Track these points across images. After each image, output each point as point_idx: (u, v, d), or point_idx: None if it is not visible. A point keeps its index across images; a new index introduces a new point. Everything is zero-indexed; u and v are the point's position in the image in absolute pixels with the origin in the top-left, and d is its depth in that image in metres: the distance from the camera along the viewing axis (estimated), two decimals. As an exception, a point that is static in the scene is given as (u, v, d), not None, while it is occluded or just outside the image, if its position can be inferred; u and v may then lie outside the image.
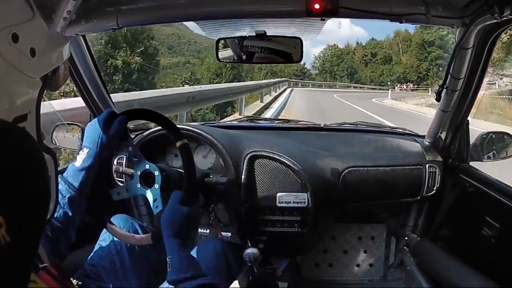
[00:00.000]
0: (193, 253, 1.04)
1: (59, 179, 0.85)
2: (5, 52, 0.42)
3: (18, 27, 0.44)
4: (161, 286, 0.92)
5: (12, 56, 0.43)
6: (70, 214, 0.86)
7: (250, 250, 1.20)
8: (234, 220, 1.31)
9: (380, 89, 40.34)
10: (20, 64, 0.44)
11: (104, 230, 1.00)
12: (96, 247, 1.01)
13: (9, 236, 0.34)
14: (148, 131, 1.35)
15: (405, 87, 41.34)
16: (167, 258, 0.80)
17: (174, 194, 0.87)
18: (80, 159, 0.89)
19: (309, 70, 56.50)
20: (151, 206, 0.92)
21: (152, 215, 1.50)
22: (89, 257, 0.99)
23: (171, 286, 0.87)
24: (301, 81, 36.42)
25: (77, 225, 0.89)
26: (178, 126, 0.97)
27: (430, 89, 34.42)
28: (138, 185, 0.93)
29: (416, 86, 42.02)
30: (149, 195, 0.92)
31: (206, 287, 0.76)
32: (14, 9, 0.46)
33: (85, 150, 0.89)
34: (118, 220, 1.03)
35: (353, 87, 40.99)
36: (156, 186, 0.92)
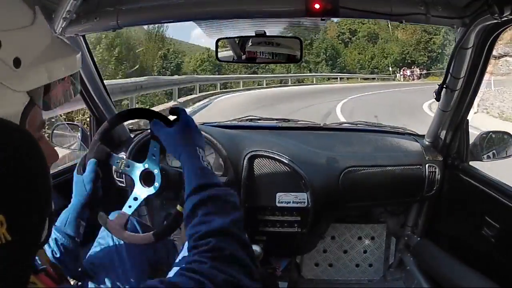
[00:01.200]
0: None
1: (54, 231, 0.86)
2: None
3: (5, 33, 0.41)
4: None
5: None
6: (69, 261, 0.87)
7: (253, 248, 1.20)
8: None
9: (384, 78, 27.93)
10: (0, 74, 0.40)
11: (103, 228, 1.00)
12: (95, 245, 1.01)
13: (10, 235, 0.34)
14: (148, 131, 1.35)
15: (409, 73, 28.63)
16: (183, 170, 0.74)
17: (155, 127, 0.82)
18: (69, 208, 0.90)
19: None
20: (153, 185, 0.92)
21: (151, 214, 1.50)
22: (88, 255, 0.99)
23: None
24: (247, 76, 17.62)
25: (71, 269, 0.89)
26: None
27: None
28: (142, 188, 0.93)
29: (425, 71, 28.89)
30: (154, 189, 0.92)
31: (217, 199, 0.66)
32: (6, 12, 0.43)
33: (74, 202, 0.90)
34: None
35: (346, 78, 24.84)
36: (156, 185, 0.92)
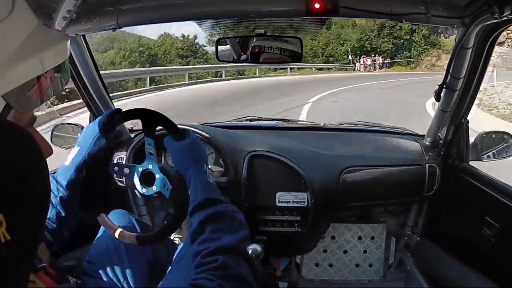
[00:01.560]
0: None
1: (51, 178, 0.83)
2: None
3: None
4: (158, 286, 0.92)
5: None
6: (63, 214, 0.85)
7: (254, 247, 1.20)
8: None
9: (342, 68, 23.64)
10: None
11: (102, 227, 0.99)
12: (94, 244, 1.01)
13: (9, 234, 0.34)
14: None
15: (370, 62, 24.56)
16: (190, 187, 0.75)
17: (165, 139, 0.84)
18: (70, 158, 0.88)
19: (203, 46, 27.19)
20: (163, 194, 0.91)
21: (151, 214, 1.50)
22: (87, 254, 0.99)
23: (168, 282, 0.86)
24: (173, 69, 14.88)
25: (72, 225, 0.88)
26: (178, 125, 0.97)
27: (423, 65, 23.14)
28: (143, 189, 0.92)
29: (389, 60, 24.89)
30: (157, 188, 0.92)
31: (223, 216, 0.67)
32: None
33: (76, 149, 0.88)
34: (115, 216, 1.03)
35: (297, 69, 18.63)
36: (156, 185, 0.92)
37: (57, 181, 0.86)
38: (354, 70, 24.32)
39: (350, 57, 25.70)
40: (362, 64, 25.07)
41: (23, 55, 0.40)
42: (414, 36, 24.54)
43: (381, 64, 25.26)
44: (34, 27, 0.42)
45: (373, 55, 25.66)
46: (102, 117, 0.92)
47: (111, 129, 0.92)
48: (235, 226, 0.66)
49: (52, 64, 0.44)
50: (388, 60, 25.46)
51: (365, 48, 26.08)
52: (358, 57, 25.70)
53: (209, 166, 0.81)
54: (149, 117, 0.89)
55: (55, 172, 0.89)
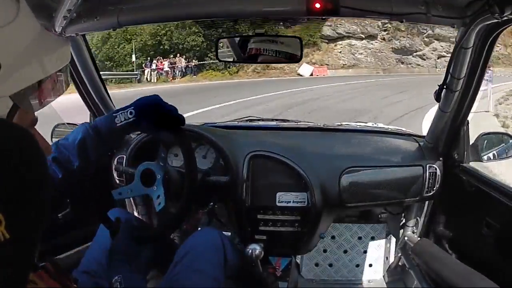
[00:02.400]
0: (191, 242, 1.02)
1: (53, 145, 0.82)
2: None
3: None
4: (157, 285, 0.92)
5: None
6: (59, 176, 0.83)
7: (253, 247, 1.19)
8: (234, 220, 1.31)
9: (124, 78, 16.74)
10: None
11: (101, 227, 0.99)
12: (94, 243, 1.01)
13: (9, 233, 0.34)
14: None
15: (168, 67, 17.64)
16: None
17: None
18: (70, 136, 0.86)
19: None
20: (154, 204, 0.91)
21: (151, 214, 1.50)
22: (86, 253, 0.99)
23: (168, 282, 0.86)
24: None
25: (74, 200, 0.86)
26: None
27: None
28: (140, 186, 0.92)
29: (197, 62, 18.05)
30: (152, 193, 0.92)
31: None
32: None
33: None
34: (115, 214, 1.03)
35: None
36: (158, 184, 0.92)
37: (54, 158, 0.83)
38: (140, 80, 17.00)
39: (134, 60, 17.50)
40: (155, 71, 17.58)
41: (28, 58, 0.41)
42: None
43: (183, 70, 17.84)
44: (37, 31, 0.43)
45: (172, 56, 17.91)
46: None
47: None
48: None
49: (55, 68, 0.45)
50: (196, 62, 17.73)
51: (162, 46, 18.00)
52: (150, 59, 17.81)
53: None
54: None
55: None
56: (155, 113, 0.85)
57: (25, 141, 0.39)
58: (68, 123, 1.50)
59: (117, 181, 1.35)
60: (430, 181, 1.36)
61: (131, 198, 1.45)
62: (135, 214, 1.43)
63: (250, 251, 1.18)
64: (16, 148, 0.37)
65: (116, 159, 1.36)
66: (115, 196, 0.93)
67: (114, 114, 0.85)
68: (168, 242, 1.16)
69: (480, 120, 6.35)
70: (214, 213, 1.29)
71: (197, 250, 0.96)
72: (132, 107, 0.85)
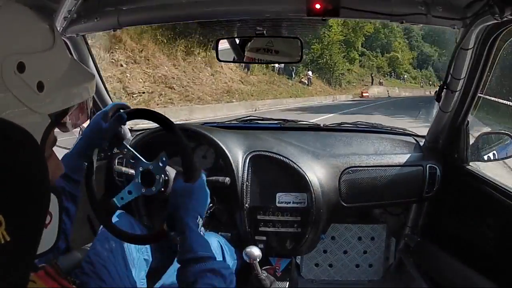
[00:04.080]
0: None
1: (63, 181, 0.83)
2: (9, 81, 0.38)
3: (28, 56, 0.40)
4: (157, 285, 0.92)
5: (16, 87, 0.39)
6: (65, 204, 0.83)
7: (251, 249, 1.20)
8: (234, 220, 1.31)
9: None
10: (24, 97, 0.40)
11: (102, 228, 0.99)
12: (94, 244, 1.01)
13: (9, 235, 0.34)
14: (148, 131, 1.35)
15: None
16: (177, 238, 0.76)
17: (176, 172, 0.85)
18: (73, 145, 0.88)
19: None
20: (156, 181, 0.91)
21: (151, 215, 1.50)
22: (87, 255, 0.99)
23: (167, 282, 0.86)
24: None
25: (74, 216, 0.86)
26: (178, 125, 0.97)
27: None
28: (140, 186, 0.92)
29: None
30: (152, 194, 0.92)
31: (215, 272, 0.70)
32: (28, 34, 0.43)
33: (79, 137, 0.89)
34: (116, 218, 1.03)
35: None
36: (156, 186, 0.92)
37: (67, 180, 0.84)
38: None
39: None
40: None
41: (66, 83, 0.46)
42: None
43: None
44: (70, 62, 0.49)
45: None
46: (108, 106, 0.92)
47: (113, 127, 0.89)
48: (226, 283, 0.70)
49: (87, 95, 0.51)
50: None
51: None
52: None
53: (202, 217, 0.80)
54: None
55: None
56: (94, 120, 0.88)
57: (25, 142, 0.39)
58: None
59: (118, 182, 1.35)
60: (430, 181, 1.36)
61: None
62: (135, 214, 1.43)
63: (249, 253, 1.18)
64: (16, 149, 0.37)
65: (116, 160, 1.36)
66: (118, 202, 0.92)
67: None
68: (169, 243, 1.16)
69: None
70: (214, 213, 1.29)
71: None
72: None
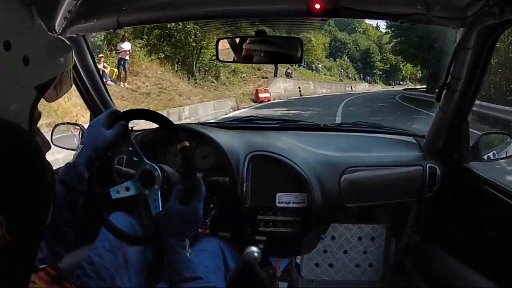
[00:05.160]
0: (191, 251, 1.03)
1: (64, 191, 0.83)
2: None
3: (12, 35, 0.43)
4: (157, 286, 0.92)
5: (3, 64, 0.42)
6: (65, 214, 0.83)
7: (250, 250, 1.20)
8: (234, 220, 1.31)
9: None
10: (11, 72, 0.43)
11: (103, 229, 0.99)
12: (95, 246, 1.01)
13: (10, 236, 0.34)
14: (148, 131, 1.35)
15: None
16: (164, 258, 0.79)
17: (175, 189, 0.85)
18: (74, 156, 0.87)
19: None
20: (150, 207, 0.92)
21: (151, 215, 1.50)
22: (88, 256, 0.99)
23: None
24: None
25: (75, 225, 0.86)
26: (178, 125, 0.97)
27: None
28: (138, 185, 0.92)
29: None
30: (149, 195, 0.92)
31: None
32: (9, 16, 0.45)
33: (81, 147, 0.87)
34: (116, 218, 1.03)
35: None
36: (156, 186, 0.92)
37: (61, 181, 0.84)
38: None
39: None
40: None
41: (48, 56, 0.50)
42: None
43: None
44: (50, 38, 0.52)
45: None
46: (104, 114, 0.91)
47: (118, 136, 0.90)
48: None
49: (68, 65, 0.55)
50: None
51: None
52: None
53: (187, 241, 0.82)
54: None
55: (57, 172, 0.88)
56: (96, 129, 0.87)
57: (25, 142, 0.39)
58: (68, 123, 1.49)
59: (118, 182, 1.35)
60: (430, 181, 1.36)
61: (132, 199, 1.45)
62: (136, 215, 1.43)
63: (248, 254, 1.18)
64: (16, 149, 0.37)
65: (116, 160, 1.36)
66: (113, 195, 0.92)
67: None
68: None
69: None
70: (214, 213, 1.29)
71: (197, 259, 0.97)
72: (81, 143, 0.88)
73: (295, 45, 1.20)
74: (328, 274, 1.63)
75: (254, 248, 1.20)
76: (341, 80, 37.40)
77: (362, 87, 38.21)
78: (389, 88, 44.37)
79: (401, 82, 51.99)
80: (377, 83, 48.34)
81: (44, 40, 0.50)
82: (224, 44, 1.26)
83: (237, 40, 1.25)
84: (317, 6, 0.97)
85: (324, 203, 1.30)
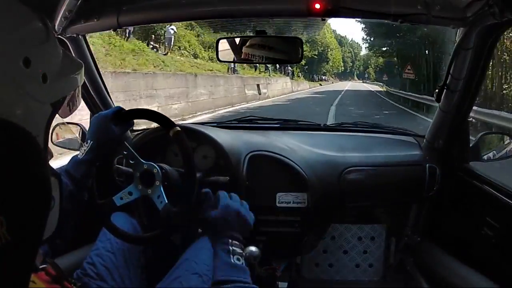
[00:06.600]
0: (190, 251, 1.03)
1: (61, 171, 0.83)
2: (17, 76, 0.40)
3: (31, 51, 0.43)
4: (158, 286, 0.92)
5: (23, 81, 0.41)
6: (70, 207, 0.83)
7: (250, 249, 1.20)
8: None
9: None
10: (31, 89, 0.42)
11: (104, 229, 0.99)
12: (96, 246, 1.01)
13: (10, 235, 0.34)
14: (148, 131, 1.35)
15: None
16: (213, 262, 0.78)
17: (220, 193, 0.88)
18: (83, 151, 0.87)
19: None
20: (156, 204, 0.91)
21: (152, 215, 1.50)
22: (89, 256, 0.99)
23: (168, 283, 0.86)
24: None
25: (77, 220, 0.86)
26: (177, 125, 0.97)
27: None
28: (140, 187, 0.92)
29: None
30: (152, 194, 0.92)
31: None
32: (28, 31, 0.45)
33: (89, 143, 0.88)
34: (118, 219, 1.03)
35: None
36: (157, 183, 0.92)
37: (67, 174, 0.85)
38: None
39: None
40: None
41: (63, 71, 0.50)
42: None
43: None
44: (62, 52, 0.52)
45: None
46: (111, 111, 0.92)
47: (122, 119, 0.91)
48: None
49: (80, 82, 0.55)
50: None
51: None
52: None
53: (234, 241, 0.82)
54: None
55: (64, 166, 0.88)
56: (105, 125, 0.88)
57: (26, 142, 0.39)
58: (68, 123, 1.49)
59: (118, 182, 1.35)
60: (430, 181, 1.36)
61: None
62: (136, 215, 1.43)
63: (247, 253, 1.18)
64: (17, 149, 0.37)
65: (116, 159, 1.35)
66: (118, 202, 0.92)
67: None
68: (169, 244, 1.16)
69: None
70: None
71: (197, 256, 0.98)
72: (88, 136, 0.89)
73: (294, 45, 1.19)
74: (328, 274, 1.63)
75: (254, 248, 1.20)
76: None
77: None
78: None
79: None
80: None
81: (59, 55, 0.50)
82: (224, 45, 1.26)
83: (237, 40, 1.26)
84: (317, 6, 0.97)
85: (324, 203, 1.30)
